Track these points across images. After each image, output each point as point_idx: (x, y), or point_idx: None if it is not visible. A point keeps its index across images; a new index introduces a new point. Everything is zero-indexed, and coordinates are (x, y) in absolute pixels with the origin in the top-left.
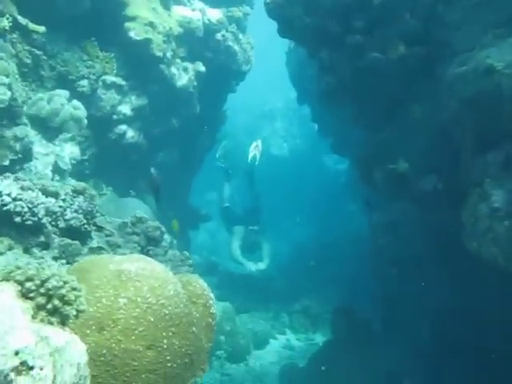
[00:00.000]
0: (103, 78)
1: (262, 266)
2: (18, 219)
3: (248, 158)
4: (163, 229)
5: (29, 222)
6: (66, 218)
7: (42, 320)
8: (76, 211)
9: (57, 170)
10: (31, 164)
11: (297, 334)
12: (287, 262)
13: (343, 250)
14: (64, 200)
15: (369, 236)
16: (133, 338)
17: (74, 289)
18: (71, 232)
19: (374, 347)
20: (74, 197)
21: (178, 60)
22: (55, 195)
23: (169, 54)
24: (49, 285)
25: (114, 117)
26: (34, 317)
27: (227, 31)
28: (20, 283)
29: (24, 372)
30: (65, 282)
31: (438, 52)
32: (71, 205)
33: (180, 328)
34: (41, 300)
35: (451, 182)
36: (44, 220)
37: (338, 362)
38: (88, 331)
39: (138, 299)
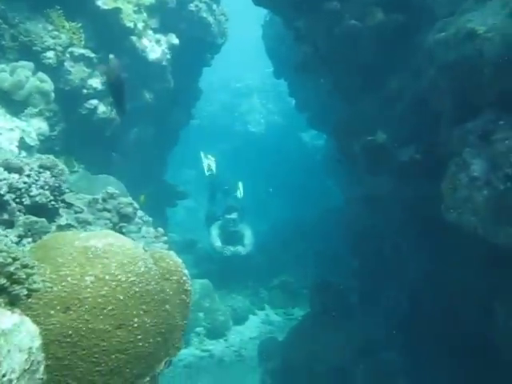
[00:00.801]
0: (70, 49)
1: (242, 251)
2: None
3: (205, 171)
4: (136, 205)
5: None
6: (32, 194)
7: None
8: (42, 187)
9: (23, 146)
10: None
11: (276, 310)
12: (265, 239)
13: (321, 224)
14: (29, 176)
15: (346, 210)
16: (101, 317)
17: (24, 266)
18: (37, 209)
19: (351, 319)
20: (40, 172)
21: (150, 32)
22: (19, 171)
23: (140, 25)
24: None
25: (84, 91)
26: None
27: (201, 1)
28: None
29: None
30: (14, 259)
31: (417, 19)
32: (37, 181)
33: (151, 306)
34: None
35: (430, 152)
36: (7, 197)
37: (316, 334)
38: (52, 311)
39: (107, 277)
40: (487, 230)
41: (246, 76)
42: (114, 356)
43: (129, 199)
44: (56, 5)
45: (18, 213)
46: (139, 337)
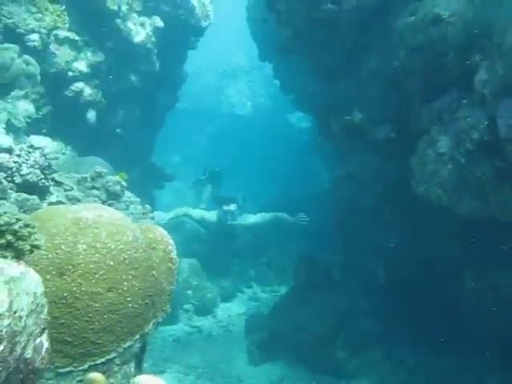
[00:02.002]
0: (55, 32)
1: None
2: None
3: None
4: (123, 183)
5: None
6: (22, 173)
7: None
8: (32, 166)
9: (10, 127)
10: None
11: (263, 287)
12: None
13: (307, 204)
14: (19, 155)
15: (331, 189)
16: (93, 281)
17: (27, 225)
18: (28, 187)
19: (332, 291)
20: (30, 152)
21: (134, 14)
22: (9, 150)
23: (124, 8)
24: (1, 221)
25: (70, 74)
26: None
27: None
28: None
29: None
30: (17, 219)
31: (389, 2)
32: (27, 160)
33: (139, 271)
34: None
35: (403, 130)
36: None
37: (300, 306)
38: (48, 276)
39: (97, 245)
40: (451, 201)
41: (232, 59)
42: (105, 316)
43: (117, 178)
44: None
45: (9, 191)
46: (129, 299)
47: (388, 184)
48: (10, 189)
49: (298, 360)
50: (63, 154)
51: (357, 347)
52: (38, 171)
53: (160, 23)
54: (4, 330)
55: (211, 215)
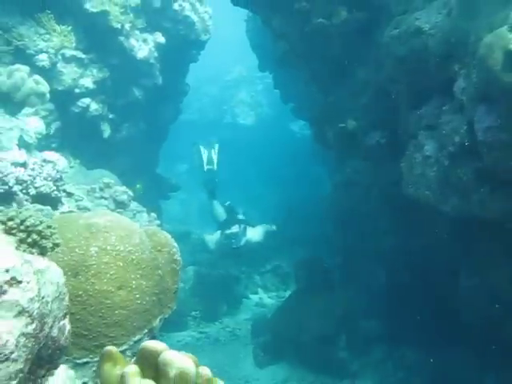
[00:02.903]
0: (62, 51)
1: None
2: None
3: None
4: (130, 193)
5: (0, 191)
6: (36, 185)
7: (24, 251)
8: (45, 179)
9: (22, 143)
10: None
11: (268, 293)
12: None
13: (309, 210)
14: (33, 169)
15: (332, 195)
16: (105, 280)
17: (49, 226)
18: (42, 198)
19: (333, 293)
20: (43, 166)
21: (137, 31)
22: (24, 165)
23: (127, 26)
24: (28, 223)
25: (77, 90)
26: (17, 249)
27: (184, 1)
28: (3, 223)
29: (14, 285)
30: (41, 221)
31: (377, 16)
32: (40, 173)
33: (146, 271)
34: (22, 235)
35: (393, 136)
36: (15, 188)
37: (302, 308)
38: (64, 277)
39: (108, 247)
40: (438, 201)
41: (234, 69)
42: (117, 311)
43: (123, 188)
44: (46, 8)
45: (25, 202)
46: (137, 296)
47: (383, 188)
48: (26, 200)
49: (302, 361)
50: (71, 167)
51: (358, 347)
52: (50, 183)
53: (162, 39)
54: (35, 312)
55: (213, 238)
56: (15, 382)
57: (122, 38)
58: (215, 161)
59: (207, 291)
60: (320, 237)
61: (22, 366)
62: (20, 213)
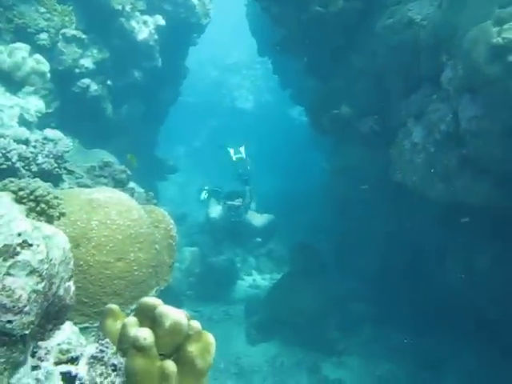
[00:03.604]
0: (63, 31)
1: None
2: None
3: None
4: (129, 172)
5: (3, 166)
6: (38, 162)
7: (33, 218)
8: (47, 156)
9: (23, 122)
10: None
11: (262, 275)
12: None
13: (306, 195)
14: (35, 146)
15: (329, 180)
16: (104, 252)
17: (56, 197)
18: (44, 175)
19: (326, 276)
20: (45, 143)
21: (138, 13)
22: (26, 142)
23: (128, 8)
24: (37, 193)
25: (77, 70)
26: (27, 216)
27: None
28: (14, 192)
29: (26, 247)
30: (48, 192)
31: (372, 5)
32: (42, 150)
33: (144, 245)
34: (31, 204)
35: (385, 122)
36: (17, 164)
37: (296, 290)
38: None
39: (108, 221)
40: (424, 186)
41: (234, 53)
42: (115, 281)
43: (122, 167)
44: None
45: (27, 178)
46: (135, 267)
47: (377, 174)
48: (28, 176)
49: (293, 340)
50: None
51: (348, 327)
52: (52, 161)
53: (162, 21)
54: (44, 272)
55: (215, 211)
56: (28, 331)
57: (122, 20)
58: (243, 152)
59: (203, 272)
60: (316, 222)
61: (33, 319)
62: (29, 184)
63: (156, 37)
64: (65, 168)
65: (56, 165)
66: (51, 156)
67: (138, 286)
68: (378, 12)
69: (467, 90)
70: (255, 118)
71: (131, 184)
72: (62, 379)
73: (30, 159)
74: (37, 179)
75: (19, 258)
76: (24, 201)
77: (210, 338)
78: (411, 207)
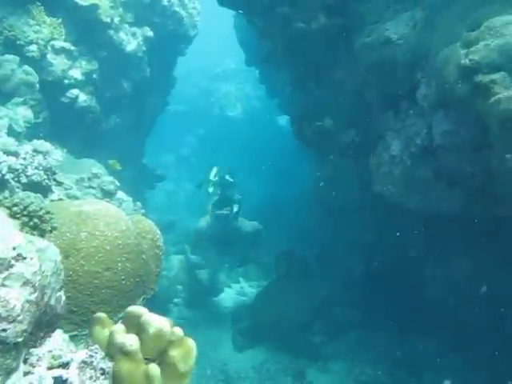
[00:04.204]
0: (52, 43)
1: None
2: None
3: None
4: (117, 183)
5: None
6: (28, 174)
7: (26, 232)
8: (37, 168)
9: (11, 132)
10: None
11: (250, 282)
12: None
13: (293, 203)
14: (24, 158)
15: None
16: (93, 262)
17: (48, 212)
18: (33, 186)
19: (310, 282)
20: (34, 155)
21: (126, 25)
22: (15, 154)
23: (116, 20)
24: (30, 208)
25: (66, 81)
26: (21, 230)
27: None
28: (8, 208)
29: (20, 260)
30: (41, 208)
31: (353, 23)
32: (31, 162)
33: (131, 255)
34: (25, 219)
35: (365, 135)
36: (7, 176)
37: (281, 295)
38: None
39: (96, 233)
40: (402, 197)
41: (223, 62)
42: (103, 290)
43: (111, 178)
44: (37, 1)
45: (16, 189)
46: (122, 277)
47: (359, 183)
48: (17, 188)
49: (279, 345)
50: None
51: (332, 333)
52: (41, 172)
53: (150, 33)
54: (37, 283)
55: (204, 221)
56: (21, 339)
57: (111, 32)
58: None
59: (190, 279)
60: (302, 229)
61: (26, 327)
62: (23, 200)
63: (144, 48)
64: (54, 179)
65: (45, 176)
66: (41, 168)
67: (125, 295)
68: (358, 29)
69: (440, 106)
70: (243, 126)
71: (119, 194)
72: (54, 383)
73: (20, 171)
74: (29, 193)
75: (13, 270)
76: (18, 216)
77: (191, 343)
78: (391, 216)
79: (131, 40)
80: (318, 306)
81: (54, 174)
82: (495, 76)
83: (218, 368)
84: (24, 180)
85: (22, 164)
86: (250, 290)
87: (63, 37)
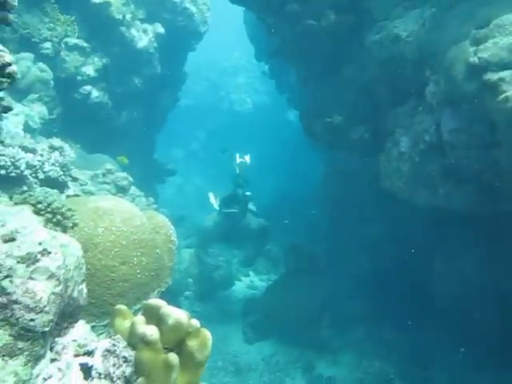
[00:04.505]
0: (65, 40)
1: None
2: (2, 172)
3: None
4: (130, 179)
5: (12, 174)
6: (45, 170)
7: (50, 229)
8: (53, 164)
9: (27, 128)
10: (2, 123)
11: (260, 276)
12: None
13: (302, 198)
14: (42, 155)
15: (325, 182)
16: (110, 256)
17: (69, 209)
18: (50, 182)
19: (319, 277)
20: (51, 152)
21: (138, 22)
22: (33, 151)
23: (128, 17)
24: (53, 206)
25: (79, 78)
26: (44, 226)
27: None
28: (33, 205)
29: (45, 255)
30: (63, 205)
31: (362, 20)
32: (48, 159)
33: (146, 249)
34: (49, 215)
35: (375, 131)
36: (26, 172)
37: (290, 290)
38: None
39: (113, 228)
40: (410, 192)
41: (232, 56)
42: (120, 283)
43: (124, 174)
44: None
45: (34, 185)
46: (138, 271)
47: (368, 179)
48: (35, 183)
49: (288, 338)
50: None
51: (341, 326)
52: (58, 168)
53: (161, 29)
54: (61, 277)
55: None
56: (47, 328)
57: (123, 29)
58: (248, 160)
59: (201, 273)
60: (312, 223)
61: (52, 317)
62: (47, 197)
63: (155, 44)
64: (70, 175)
65: (62, 172)
66: (57, 164)
67: (140, 288)
68: (368, 25)
69: (448, 104)
70: (253, 121)
71: (132, 189)
72: (81, 369)
73: (37, 167)
74: (46, 189)
75: (40, 264)
76: (42, 213)
77: (207, 334)
78: (400, 211)
79: (142, 36)
80: (327, 299)
81: (70, 169)
82: (504, 74)
83: (228, 360)
84: (41, 176)
85: (39, 160)
86: (260, 284)
87: (76, 34)
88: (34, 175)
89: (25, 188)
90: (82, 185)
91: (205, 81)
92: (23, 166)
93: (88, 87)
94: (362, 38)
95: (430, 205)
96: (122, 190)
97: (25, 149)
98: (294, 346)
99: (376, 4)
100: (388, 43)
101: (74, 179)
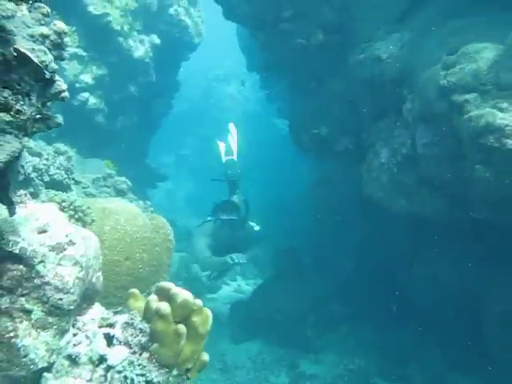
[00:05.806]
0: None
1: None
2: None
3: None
4: (129, 183)
5: (20, 177)
6: (50, 173)
7: (73, 223)
8: (58, 168)
9: None
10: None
11: (247, 280)
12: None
13: (289, 204)
14: (47, 159)
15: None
16: (115, 252)
17: (88, 207)
18: (55, 184)
19: (304, 280)
20: (55, 156)
21: (135, 33)
22: (38, 155)
23: (126, 28)
24: (75, 204)
25: (77, 85)
26: (68, 221)
27: (179, 6)
28: (58, 203)
29: (71, 245)
30: (83, 203)
31: (348, 40)
32: (53, 163)
33: (147, 247)
34: (71, 212)
35: (358, 143)
36: (32, 175)
37: (276, 291)
38: None
39: (118, 227)
40: (389, 201)
41: (224, 64)
42: (123, 277)
43: (123, 178)
44: (52, 10)
45: (40, 187)
46: (140, 266)
47: (352, 188)
48: (41, 186)
49: (274, 338)
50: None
51: (324, 327)
52: (62, 172)
53: (157, 40)
54: (84, 264)
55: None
56: (72, 307)
57: (120, 39)
58: (235, 150)
59: (190, 276)
60: (297, 229)
61: (76, 298)
62: (69, 197)
63: (151, 54)
64: (73, 179)
65: (66, 176)
66: (62, 168)
67: (142, 282)
68: (352, 46)
69: (422, 120)
70: (242, 128)
71: (129, 193)
72: (104, 337)
73: (43, 170)
74: (73, 193)
75: (67, 252)
76: (66, 210)
77: (208, 312)
78: (382, 218)
79: (139, 47)
80: (312, 302)
81: (73, 173)
82: (468, 96)
83: (216, 358)
84: (47, 179)
85: (44, 164)
86: (248, 288)
87: (76, 44)
88: (39, 178)
89: (31, 190)
90: (84, 188)
91: (196, 88)
92: (30, 169)
93: (86, 94)
94: (347, 56)
95: (407, 212)
96: (121, 194)
97: (31, 153)
98: (280, 345)
99: (361, 26)
100: (370, 63)
101: (77, 182)
